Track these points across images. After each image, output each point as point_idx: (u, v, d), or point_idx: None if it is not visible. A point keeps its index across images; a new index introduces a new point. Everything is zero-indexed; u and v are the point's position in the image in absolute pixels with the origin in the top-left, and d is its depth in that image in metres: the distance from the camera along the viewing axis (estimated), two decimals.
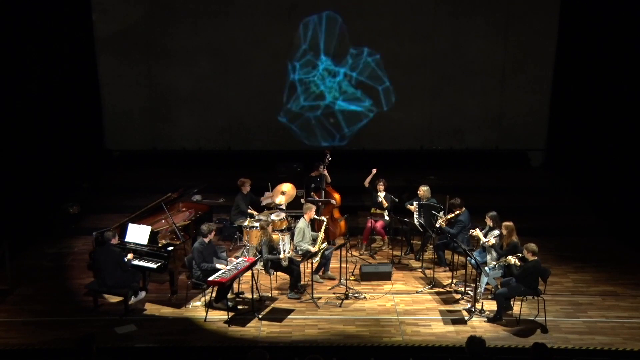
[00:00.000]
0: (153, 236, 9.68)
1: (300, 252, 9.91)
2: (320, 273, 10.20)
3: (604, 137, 12.92)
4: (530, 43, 14.50)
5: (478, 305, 9.19)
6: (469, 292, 9.54)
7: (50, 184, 12.54)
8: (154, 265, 9.43)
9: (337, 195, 11.26)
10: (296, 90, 14.79)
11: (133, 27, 14.46)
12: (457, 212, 10.18)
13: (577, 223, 12.42)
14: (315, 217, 10.10)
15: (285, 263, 9.46)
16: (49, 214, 12.13)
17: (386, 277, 10.18)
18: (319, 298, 9.55)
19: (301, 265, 9.82)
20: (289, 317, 9.09)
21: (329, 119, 14.89)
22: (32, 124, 12.39)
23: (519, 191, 13.63)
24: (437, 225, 10.23)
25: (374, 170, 11.22)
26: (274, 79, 14.73)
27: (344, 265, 9.89)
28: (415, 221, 10.50)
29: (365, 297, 9.63)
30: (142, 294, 9.60)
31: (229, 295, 9.37)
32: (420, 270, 10.52)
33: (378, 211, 11.17)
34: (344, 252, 9.96)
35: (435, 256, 10.57)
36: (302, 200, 11.26)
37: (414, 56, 14.65)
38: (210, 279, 8.89)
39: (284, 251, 9.51)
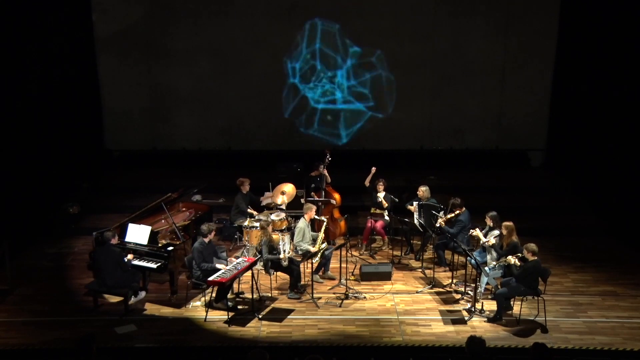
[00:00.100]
0: (153, 236, 9.68)
1: (300, 252, 9.91)
2: (320, 273, 10.20)
3: (604, 137, 12.92)
4: (530, 43, 14.51)
5: (478, 305, 9.19)
6: (469, 292, 9.54)
7: (50, 184, 12.54)
8: (154, 265, 9.43)
9: (337, 195, 11.26)
10: (296, 89, 14.80)
11: (133, 27, 14.46)
12: (458, 212, 10.18)
13: (577, 223, 12.42)
14: (316, 217, 10.10)
15: (285, 263, 9.46)
16: (49, 214, 12.13)
17: (386, 277, 10.18)
18: (319, 298, 9.55)
19: (301, 265, 9.82)
20: (289, 317, 9.09)
21: (326, 116, 14.89)
22: (32, 124, 12.39)
23: (519, 191, 13.63)
24: (437, 225, 10.23)
25: (374, 169, 11.22)
26: (274, 79, 14.73)
27: (344, 265, 9.89)
28: (415, 221, 10.50)
29: (365, 297, 9.63)
30: (142, 294, 9.60)
31: (229, 295, 9.37)
32: (420, 270, 10.52)
33: (378, 211, 11.17)
34: (344, 252, 9.96)
35: (435, 256, 10.57)
36: (302, 200, 11.27)
37: (414, 56, 14.65)
38: (210, 279, 8.89)
39: (284, 251, 9.51)
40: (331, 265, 10.26)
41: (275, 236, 10.03)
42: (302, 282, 9.86)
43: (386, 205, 11.02)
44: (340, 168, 12.01)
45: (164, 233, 10.08)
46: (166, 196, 10.24)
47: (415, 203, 10.64)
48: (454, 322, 8.94)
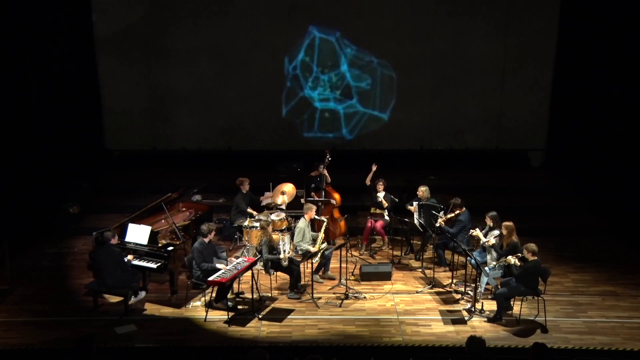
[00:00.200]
0: (153, 236, 9.68)
1: (300, 252, 9.91)
2: (320, 273, 10.19)
3: (604, 137, 12.92)
4: (530, 43, 14.51)
5: (478, 305, 9.18)
6: (469, 292, 9.54)
7: (50, 184, 12.54)
8: (154, 265, 9.43)
9: (337, 195, 11.26)
10: (296, 89, 14.80)
11: (133, 27, 14.46)
12: (458, 211, 10.18)
13: (577, 223, 12.42)
14: (316, 217, 10.10)
15: (285, 263, 9.46)
16: (49, 214, 12.13)
17: (386, 277, 10.18)
18: (319, 298, 9.55)
19: (301, 265, 9.82)
20: (289, 317, 9.09)
21: (326, 116, 14.89)
22: (32, 124, 12.40)
23: (519, 191, 13.63)
24: (437, 224, 10.22)
25: (374, 167, 11.21)
26: (274, 79, 14.73)
27: (344, 265, 9.88)
28: (415, 221, 10.50)
29: (365, 297, 9.62)
30: (142, 294, 9.59)
31: (229, 295, 9.37)
32: (420, 270, 10.52)
33: (378, 211, 11.17)
34: (344, 252, 9.96)
35: (435, 256, 10.57)
36: (302, 200, 11.27)
37: (414, 56, 14.65)
38: (210, 279, 8.89)
39: (284, 251, 9.51)
40: (331, 265, 10.25)
41: (275, 236, 10.03)
42: (302, 282, 9.86)
43: (386, 205, 11.02)
44: (340, 168, 12.01)
45: (164, 233, 10.08)
46: (166, 196, 10.24)
47: (415, 203, 10.64)
48: (454, 322, 8.94)
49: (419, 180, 11.91)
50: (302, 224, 9.98)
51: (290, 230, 10.49)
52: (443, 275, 10.31)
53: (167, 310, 9.27)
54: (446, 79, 14.76)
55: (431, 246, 10.86)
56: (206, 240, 9.28)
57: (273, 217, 10.69)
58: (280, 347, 8.35)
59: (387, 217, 11.10)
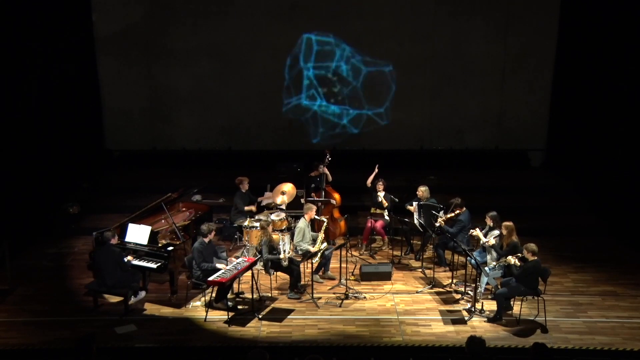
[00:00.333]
0: (153, 236, 9.69)
1: (300, 252, 9.91)
2: (320, 273, 10.19)
3: (604, 137, 12.92)
4: (530, 43, 14.51)
5: (478, 305, 9.18)
6: (469, 292, 9.54)
7: (50, 184, 12.53)
8: (154, 265, 9.43)
9: (337, 195, 11.26)
10: (295, 90, 14.80)
11: (133, 27, 14.47)
12: (458, 211, 10.18)
13: (577, 223, 12.42)
14: (316, 217, 10.10)
15: (285, 263, 9.46)
16: (49, 214, 12.13)
17: (386, 277, 10.18)
18: (319, 298, 9.55)
19: (301, 265, 9.82)
20: (289, 317, 9.09)
21: (326, 116, 14.89)
22: (32, 124, 12.40)
23: (519, 191, 13.63)
24: (437, 224, 10.22)
25: (377, 169, 11.21)
26: (274, 79, 14.73)
27: (344, 265, 9.88)
28: (415, 221, 10.50)
29: (365, 297, 9.62)
30: (142, 294, 9.60)
31: (229, 295, 9.37)
32: (420, 270, 10.52)
33: (378, 211, 11.17)
34: (344, 252, 9.96)
35: (435, 256, 10.57)
36: (302, 200, 11.27)
37: (414, 56, 14.65)
38: (210, 279, 8.89)
39: (284, 251, 9.51)
40: (331, 265, 10.25)
41: (275, 236, 10.03)
42: (302, 282, 9.86)
43: (386, 205, 11.02)
44: (340, 168, 12.01)
45: (164, 233, 10.08)
46: (166, 196, 10.25)
47: (415, 203, 10.64)
48: (454, 322, 8.94)
49: (419, 180, 11.91)
50: (302, 224, 9.98)
51: (290, 230, 10.49)
52: (443, 275, 10.31)
53: (167, 310, 9.27)
54: (446, 79, 14.76)
55: (431, 246, 10.86)
56: (206, 240, 9.28)
57: (273, 217, 10.69)
58: (280, 347, 8.35)
59: (387, 217, 11.10)
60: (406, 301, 9.56)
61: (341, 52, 14.59)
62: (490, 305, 9.16)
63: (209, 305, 9.15)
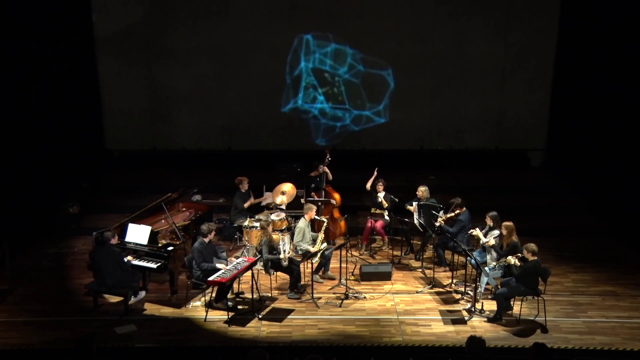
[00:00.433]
0: (153, 236, 9.69)
1: (300, 252, 9.91)
2: (320, 273, 10.19)
3: (604, 137, 12.92)
4: (530, 43, 14.51)
5: (478, 305, 9.18)
6: (469, 292, 9.54)
7: (50, 184, 12.53)
8: (154, 265, 9.43)
9: (337, 195, 11.26)
10: (295, 90, 14.80)
11: (133, 27, 14.47)
12: (458, 211, 10.18)
13: (577, 223, 12.42)
14: (316, 217, 10.10)
15: (285, 263, 9.46)
16: (49, 214, 12.13)
17: (386, 277, 10.18)
18: (319, 298, 9.55)
19: (301, 265, 9.82)
20: (289, 317, 9.09)
21: (326, 115, 14.89)
22: (32, 124, 12.39)
23: (519, 191, 13.63)
24: (437, 224, 10.22)
25: (376, 172, 11.20)
26: (274, 79, 14.73)
27: (344, 265, 9.88)
28: (415, 221, 10.50)
29: (365, 297, 9.62)
30: (142, 294, 9.60)
31: (229, 295, 9.37)
32: (420, 270, 10.52)
33: (378, 211, 11.17)
34: (344, 252, 9.96)
35: (435, 256, 10.57)
36: (302, 200, 11.27)
37: (414, 56, 14.66)
38: (210, 279, 8.89)
39: (284, 251, 9.51)
40: (331, 265, 10.25)
41: (275, 236, 10.03)
42: (302, 282, 9.86)
43: (386, 205, 11.02)
44: (340, 168, 12.01)
45: (164, 233, 10.08)
46: (166, 196, 10.25)
47: (414, 203, 10.64)
48: (454, 322, 8.94)
49: (419, 180, 11.90)
50: (302, 224, 9.98)
51: (290, 230, 10.49)
52: (443, 275, 10.31)
53: (167, 310, 9.27)
54: (446, 79, 14.76)
55: (431, 246, 10.86)
56: (206, 240, 9.28)
57: (273, 217, 10.69)
58: (280, 347, 8.35)
59: (387, 217, 11.10)
60: (406, 301, 9.56)
61: (341, 52, 14.61)
62: (490, 305, 9.16)
63: (209, 305, 9.15)
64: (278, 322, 8.96)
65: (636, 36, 11.91)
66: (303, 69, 14.71)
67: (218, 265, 9.21)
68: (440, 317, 9.07)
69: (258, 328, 8.82)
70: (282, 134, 15.01)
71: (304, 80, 14.76)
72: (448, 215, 10.18)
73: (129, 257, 9.35)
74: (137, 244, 9.62)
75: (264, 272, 9.85)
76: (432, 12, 14.46)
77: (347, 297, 9.59)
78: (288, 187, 11.34)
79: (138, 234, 9.65)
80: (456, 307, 9.35)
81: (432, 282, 10.01)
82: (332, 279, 10.17)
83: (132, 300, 9.31)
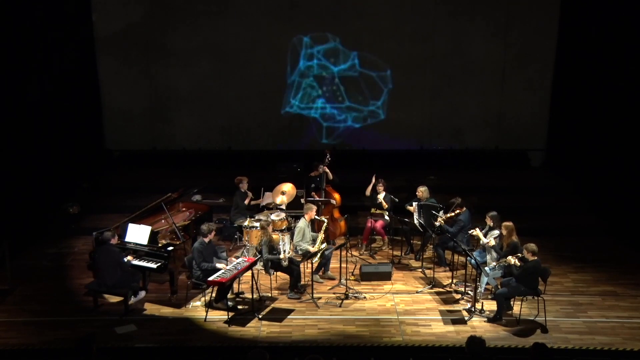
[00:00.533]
0: (153, 236, 9.68)
1: (300, 252, 9.91)
2: (320, 273, 10.19)
3: (604, 137, 12.92)
4: (530, 43, 14.51)
5: (478, 305, 9.18)
6: (469, 292, 9.54)
7: (50, 184, 12.54)
8: (154, 265, 9.43)
9: (337, 195, 11.25)
10: (295, 90, 14.80)
11: (133, 27, 14.47)
12: (458, 211, 10.18)
13: (577, 223, 12.42)
14: (316, 217, 10.10)
15: (285, 263, 9.46)
16: (49, 214, 12.13)
17: (386, 277, 10.17)
18: (319, 298, 9.55)
19: (301, 265, 9.82)
20: (289, 317, 9.09)
21: (326, 115, 14.89)
22: (32, 124, 12.40)
23: (519, 191, 13.63)
24: (437, 224, 10.22)
25: (374, 179, 11.17)
26: (274, 79, 14.73)
27: (344, 265, 9.88)
28: (415, 221, 10.50)
29: (365, 297, 9.62)
30: (142, 294, 9.59)
31: (229, 295, 9.37)
32: (420, 270, 10.52)
33: (378, 211, 11.17)
34: (344, 252, 9.96)
35: (435, 256, 10.57)
36: (302, 200, 11.27)
37: (414, 56, 14.66)
38: (210, 279, 8.89)
39: (284, 251, 9.51)
40: (331, 265, 10.25)
41: (275, 236, 10.03)
42: (302, 282, 9.86)
43: (386, 206, 11.02)
44: (340, 168, 12.00)
45: (164, 233, 10.08)
46: (166, 196, 10.24)
47: (414, 203, 10.64)
48: (454, 322, 8.94)
49: (419, 180, 11.89)
50: (302, 224, 9.98)
51: (290, 230, 10.49)
52: (443, 275, 10.31)
53: (167, 310, 9.27)
54: (446, 79, 14.76)
55: (431, 246, 10.86)
56: (206, 240, 9.28)
57: (273, 217, 10.69)
58: (280, 347, 8.34)
59: (387, 217, 11.10)
60: (406, 301, 9.56)
61: (341, 52, 14.61)
62: (490, 305, 9.16)
63: (209, 305, 9.15)
64: (278, 322, 8.96)
65: (636, 36, 11.91)
66: (303, 69, 14.71)
67: (218, 265, 9.20)
68: (440, 317, 9.07)
69: (258, 328, 8.82)
70: (282, 134, 15.00)
71: (304, 80, 14.77)
72: (448, 215, 10.19)
73: (129, 257, 9.36)
74: (137, 244, 9.62)
75: (264, 272, 9.85)
76: (432, 12, 14.46)
77: (347, 297, 9.59)
78: (288, 187, 11.34)
79: (138, 234, 9.64)
80: (456, 307, 9.35)
81: (432, 282, 10.01)
82: (332, 279, 10.17)
83: (132, 300, 9.31)
